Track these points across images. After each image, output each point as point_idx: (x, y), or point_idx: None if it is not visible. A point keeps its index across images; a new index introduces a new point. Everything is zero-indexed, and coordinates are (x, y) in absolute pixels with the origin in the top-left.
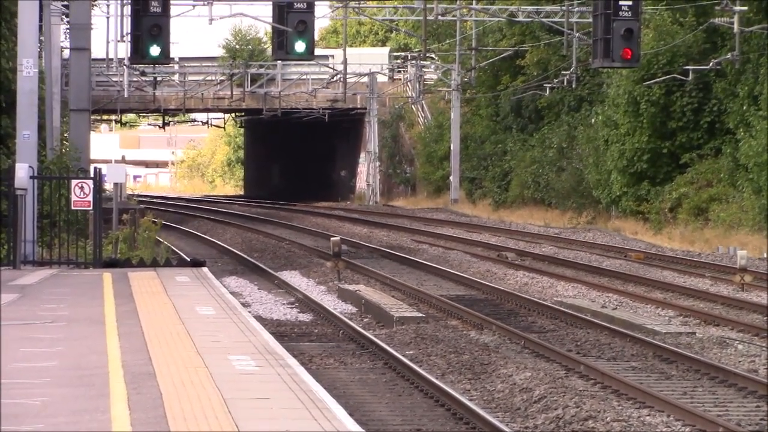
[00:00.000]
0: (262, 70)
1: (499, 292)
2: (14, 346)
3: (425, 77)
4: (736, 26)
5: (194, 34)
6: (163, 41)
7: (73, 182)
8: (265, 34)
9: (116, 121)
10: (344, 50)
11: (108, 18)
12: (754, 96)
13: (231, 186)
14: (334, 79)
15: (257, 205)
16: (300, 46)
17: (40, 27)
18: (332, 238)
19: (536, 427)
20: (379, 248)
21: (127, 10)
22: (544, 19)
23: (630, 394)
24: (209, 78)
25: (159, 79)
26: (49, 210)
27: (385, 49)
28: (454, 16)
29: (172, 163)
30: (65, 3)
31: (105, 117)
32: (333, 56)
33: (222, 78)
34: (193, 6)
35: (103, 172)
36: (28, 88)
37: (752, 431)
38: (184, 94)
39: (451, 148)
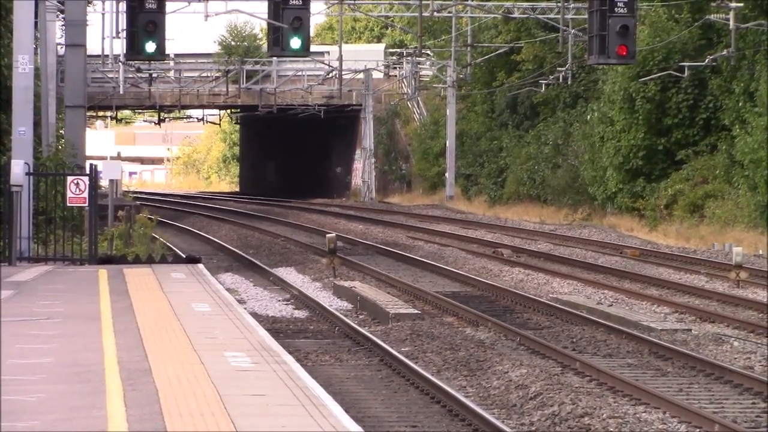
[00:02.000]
0: (257, 67)
1: (495, 289)
2: (10, 342)
3: (421, 74)
4: (731, 23)
5: (190, 31)
6: (159, 38)
7: (69, 179)
8: (260, 31)
9: (112, 118)
10: (340, 47)
11: (103, 14)
12: (749, 92)
13: (226, 183)
14: (330, 75)
15: (253, 202)
16: (295, 43)
17: (36, 24)
18: (328, 235)
19: (532, 424)
20: (374, 245)
21: (123, 6)
22: (539, 16)
23: (626, 391)
24: (205, 74)
25: (154, 75)
26: (45, 207)
27: (381, 46)
28: (449, 12)
29: (168, 160)
30: (61, 0)
31: (100, 113)
32: (328, 53)
33: (217, 74)
34: (189, 2)
35: (99, 168)
36: (24, 85)
37: (748, 429)
38: (180, 91)
39: (447, 144)
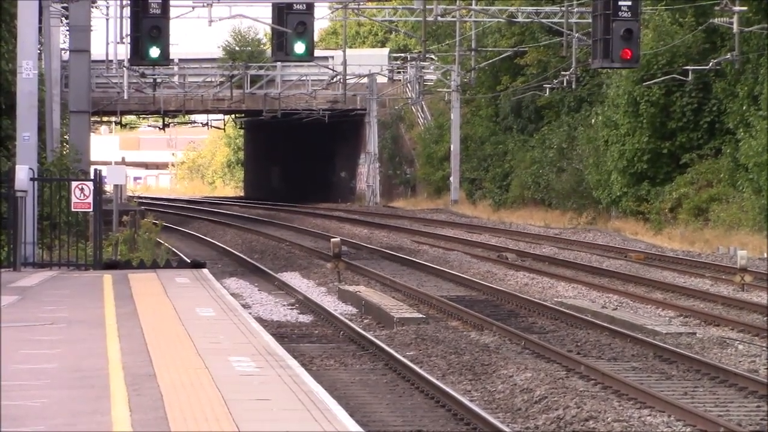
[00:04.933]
0: (261, 72)
1: (500, 293)
2: (14, 347)
3: (425, 78)
4: (735, 26)
5: (194, 36)
6: (163, 43)
7: (73, 184)
8: (264, 36)
9: (116, 123)
10: (344, 51)
11: (107, 19)
12: (754, 96)
13: (231, 187)
14: (334, 80)
15: (257, 207)
16: (299, 48)
17: (40, 29)
18: (332, 239)
19: (537, 428)
20: (379, 249)
21: (127, 11)
22: (543, 20)
23: (631, 395)
24: (209, 79)
25: (159, 80)
26: (50, 212)
27: (385, 50)
28: (453, 16)
29: (172, 165)
30: (65, 5)
31: (105, 119)
32: (333, 57)
33: (221, 79)
34: (193, 7)
35: (104, 173)
36: (28, 90)
37: (753, 431)
38: (184, 96)
39: (451, 148)
